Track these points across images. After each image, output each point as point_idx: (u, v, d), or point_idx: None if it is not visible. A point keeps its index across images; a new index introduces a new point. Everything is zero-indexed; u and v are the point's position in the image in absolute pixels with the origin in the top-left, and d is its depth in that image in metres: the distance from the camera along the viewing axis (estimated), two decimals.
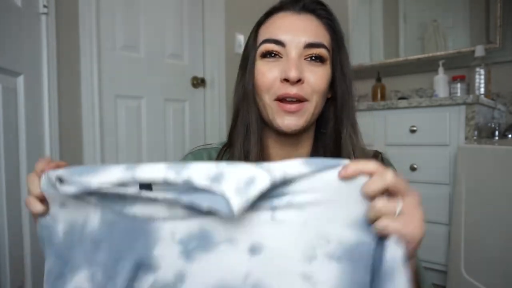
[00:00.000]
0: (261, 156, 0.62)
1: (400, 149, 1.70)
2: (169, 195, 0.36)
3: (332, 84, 0.61)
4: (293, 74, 0.55)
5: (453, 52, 2.00)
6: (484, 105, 1.59)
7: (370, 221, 0.35)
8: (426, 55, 2.09)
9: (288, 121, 0.57)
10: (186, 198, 0.35)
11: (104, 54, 1.72)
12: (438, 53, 2.04)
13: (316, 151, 0.63)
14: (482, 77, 1.75)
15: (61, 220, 0.41)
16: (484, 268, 1.23)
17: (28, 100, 1.34)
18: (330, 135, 0.62)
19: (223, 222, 0.36)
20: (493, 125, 1.70)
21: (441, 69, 1.88)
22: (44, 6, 1.42)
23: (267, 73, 0.58)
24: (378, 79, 2.18)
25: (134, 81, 1.85)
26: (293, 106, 0.56)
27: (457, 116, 1.54)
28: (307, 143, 0.65)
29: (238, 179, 0.33)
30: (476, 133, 1.51)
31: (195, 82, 2.03)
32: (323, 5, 0.62)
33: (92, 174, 0.36)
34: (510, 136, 1.73)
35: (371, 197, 0.34)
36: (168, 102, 1.99)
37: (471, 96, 1.50)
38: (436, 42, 2.10)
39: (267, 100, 0.58)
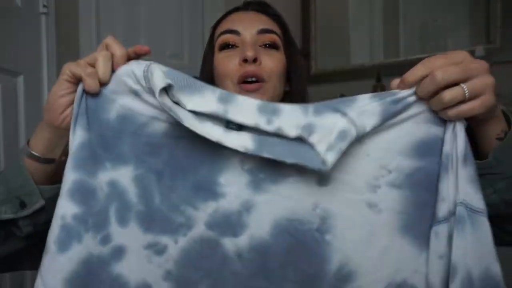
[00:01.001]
0: None
1: None
2: (247, 146, 0.35)
3: (288, 76, 0.67)
4: (250, 53, 0.58)
5: None
6: None
7: (444, 116, 0.36)
8: (426, 55, 2.07)
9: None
10: (268, 153, 0.35)
11: None
12: (438, 53, 2.04)
13: None
14: None
15: (122, 104, 0.39)
16: None
17: (28, 100, 1.34)
18: None
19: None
20: None
21: None
22: (44, 6, 1.42)
23: (226, 61, 0.62)
24: (378, 79, 2.18)
25: None
26: (253, 85, 0.60)
27: None
28: None
29: (330, 133, 0.34)
30: None
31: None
32: (270, 7, 0.69)
33: (189, 95, 0.36)
34: None
35: (432, 95, 0.36)
36: None
37: None
38: (436, 42, 2.10)
39: (230, 87, 0.61)
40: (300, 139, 0.36)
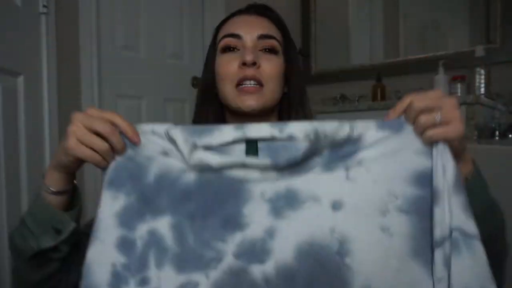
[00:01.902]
0: None
1: None
2: (267, 161, 0.41)
3: (286, 78, 0.68)
4: (249, 57, 0.61)
5: (453, 52, 1.99)
6: (484, 105, 1.59)
7: (424, 139, 0.42)
8: (426, 55, 2.09)
9: (248, 101, 0.62)
10: (283, 160, 0.41)
11: (104, 54, 1.72)
12: (438, 53, 2.04)
13: None
14: (482, 77, 1.75)
15: (157, 164, 0.44)
16: None
17: (28, 100, 1.34)
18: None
19: (306, 182, 0.42)
20: (493, 125, 1.70)
21: (441, 69, 1.87)
22: (44, 6, 1.42)
23: (227, 64, 0.64)
24: (378, 79, 2.18)
25: (134, 81, 1.85)
26: (251, 88, 0.62)
27: None
28: None
29: (333, 136, 0.41)
30: (476, 133, 1.51)
31: (195, 82, 2.02)
32: (272, 11, 0.71)
33: (210, 135, 0.42)
34: (510, 136, 1.73)
35: (414, 119, 0.42)
36: (168, 102, 1.99)
37: (471, 96, 1.50)
38: (436, 42, 2.10)
39: (229, 89, 0.63)
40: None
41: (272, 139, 0.42)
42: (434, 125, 0.41)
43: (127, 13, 1.81)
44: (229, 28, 0.67)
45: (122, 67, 1.79)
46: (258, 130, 0.42)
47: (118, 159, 0.45)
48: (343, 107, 1.89)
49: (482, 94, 1.74)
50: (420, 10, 2.17)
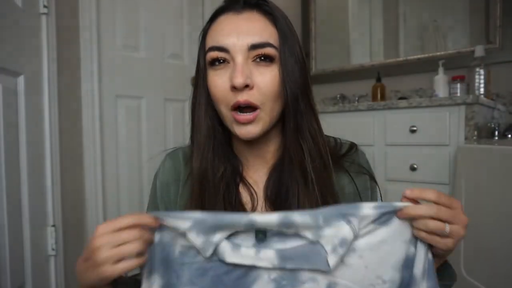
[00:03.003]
0: (226, 159, 0.63)
1: (400, 149, 1.70)
2: (275, 260, 0.46)
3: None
4: (238, 81, 0.54)
5: (453, 52, 2.00)
6: (484, 105, 1.59)
7: (420, 236, 0.46)
8: (426, 55, 2.09)
9: (244, 130, 0.57)
10: (290, 264, 0.46)
11: (104, 54, 1.72)
12: (438, 53, 2.04)
13: (284, 148, 0.63)
14: (482, 77, 1.75)
15: (179, 244, 0.49)
16: (484, 268, 1.23)
17: (28, 100, 1.34)
18: (293, 131, 0.61)
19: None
20: (492, 125, 1.70)
21: (441, 69, 1.88)
22: (44, 6, 1.43)
23: (218, 85, 0.57)
24: (378, 79, 2.18)
25: (134, 81, 1.85)
26: (246, 117, 0.56)
27: (457, 116, 1.54)
28: (275, 141, 0.65)
29: (334, 238, 0.45)
30: (476, 133, 1.52)
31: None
32: (265, 0, 0.60)
33: (224, 229, 0.47)
34: (510, 136, 1.74)
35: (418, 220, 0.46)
36: (168, 102, 1.99)
37: (471, 96, 1.50)
38: (436, 42, 2.10)
39: (224, 110, 0.58)
40: (313, 243, 0.46)
41: (279, 232, 0.47)
42: (439, 234, 0.45)
43: (127, 13, 1.81)
44: (215, 36, 0.58)
45: (122, 67, 1.80)
46: (267, 223, 0.46)
47: (148, 250, 0.48)
48: (343, 107, 1.89)
49: (482, 94, 1.74)
50: (420, 10, 2.17)
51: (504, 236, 1.14)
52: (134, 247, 0.43)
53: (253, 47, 0.56)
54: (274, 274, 0.47)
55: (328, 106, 1.97)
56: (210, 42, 0.59)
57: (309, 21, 2.60)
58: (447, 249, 0.46)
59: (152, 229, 0.47)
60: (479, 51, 1.77)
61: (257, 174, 0.65)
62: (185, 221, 0.47)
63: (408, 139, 1.66)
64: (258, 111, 0.57)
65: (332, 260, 0.45)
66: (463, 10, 2.01)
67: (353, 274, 0.46)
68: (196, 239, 0.47)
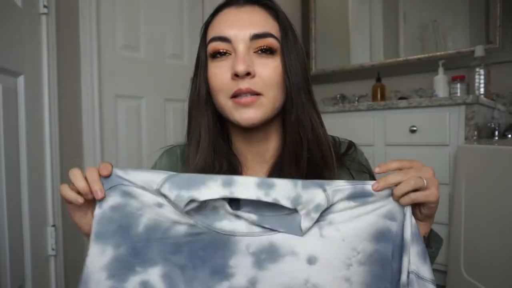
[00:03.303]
0: (224, 158, 0.62)
1: (400, 149, 1.70)
2: (254, 217, 0.47)
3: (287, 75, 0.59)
4: (240, 68, 0.54)
5: (453, 52, 2.00)
6: (484, 105, 1.59)
7: (397, 198, 0.47)
8: (426, 55, 2.09)
9: (245, 114, 0.56)
10: (267, 223, 0.47)
11: (104, 54, 1.72)
12: (438, 53, 2.04)
13: (284, 145, 0.62)
14: (482, 77, 1.75)
15: (148, 215, 0.47)
16: (484, 268, 1.23)
17: (28, 100, 1.34)
18: (294, 127, 0.60)
19: (286, 238, 0.47)
20: (492, 125, 1.70)
21: (441, 69, 1.88)
22: (45, 6, 1.42)
23: (219, 74, 0.57)
24: (378, 79, 2.18)
25: (134, 81, 1.85)
26: (248, 99, 0.55)
27: (457, 116, 1.54)
28: (274, 137, 0.64)
29: (310, 204, 0.46)
30: (476, 133, 1.52)
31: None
32: None
33: (197, 190, 0.46)
34: (510, 136, 1.74)
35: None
36: (168, 102, 1.99)
37: (471, 96, 1.50)
38: (436, 42, 2.10)
39: (223, 100, 0.58)
40: (290, 212, 0.47)
41: (257, 201, 0.46)
42: (418, 189, 0.47)
43: (127, 13, 1.81)
44: (217, 27, 0.59)
45: (122, 67, 1.80)
46: (245, 191, 0.46)
47: (102, 210, 0.47)
48: (343, 107, 1.89)
49: (482, 94, 1.74)
50: (419, 10, 2.17)
51: (504, 236, 1.14)
52: (80, 183, 0.47)
53: (255, 36, 0.56)
54: (252, 247, 0.47)
55: (328, 106, 1.97)
56: (212, 34, 0.59)
57: (309, 21, 2.60)
58: (435, 198, 0.48)
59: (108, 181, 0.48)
60: (479, 51, 1.77)
61: (256, 174, 0.65)
62: (159, 174, 0.47)
63: (408, 139, 1.66)
64: (260, 96, 0.56)
65: (304, 223, 0.46)
66: (463, 10, 2.01)
67: (331, 248, 0.47)
68: (169, 193, 0.46)
